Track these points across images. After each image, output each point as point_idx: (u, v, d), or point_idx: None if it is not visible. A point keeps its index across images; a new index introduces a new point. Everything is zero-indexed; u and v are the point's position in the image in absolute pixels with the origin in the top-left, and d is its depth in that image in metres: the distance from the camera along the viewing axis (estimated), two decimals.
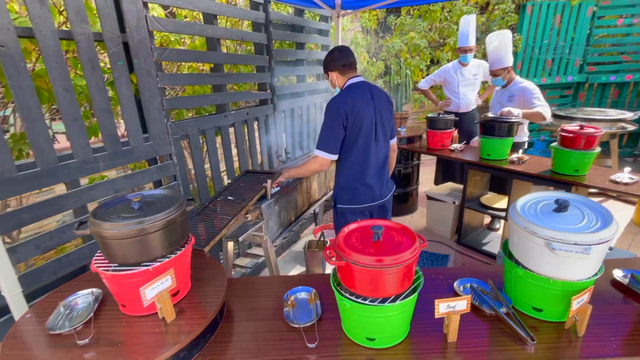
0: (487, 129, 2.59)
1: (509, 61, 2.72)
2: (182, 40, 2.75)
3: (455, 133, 3.06)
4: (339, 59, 1.78)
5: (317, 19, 3.65)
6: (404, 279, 0.96)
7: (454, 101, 3.50)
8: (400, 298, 0.96)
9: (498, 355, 0.98)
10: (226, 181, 2.05)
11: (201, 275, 1.25)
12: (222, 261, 2.33)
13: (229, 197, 1.86)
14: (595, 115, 3.90)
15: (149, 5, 1.94)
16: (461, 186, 2.96)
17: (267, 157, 2.91)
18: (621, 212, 3.51)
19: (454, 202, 3.00)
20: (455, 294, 1.24)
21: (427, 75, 3.84)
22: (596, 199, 3.83)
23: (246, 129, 2.71)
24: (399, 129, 3.39)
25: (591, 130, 2.20)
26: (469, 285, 1.25)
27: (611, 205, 3.73)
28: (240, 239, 1.74)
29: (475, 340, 1.04)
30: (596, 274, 1.00)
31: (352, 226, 1.07)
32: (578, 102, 5.30)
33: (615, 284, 1.25)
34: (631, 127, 3.88)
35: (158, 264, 0.99)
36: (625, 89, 5.16)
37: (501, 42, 2.70)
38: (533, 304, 1.08)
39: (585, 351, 0.99)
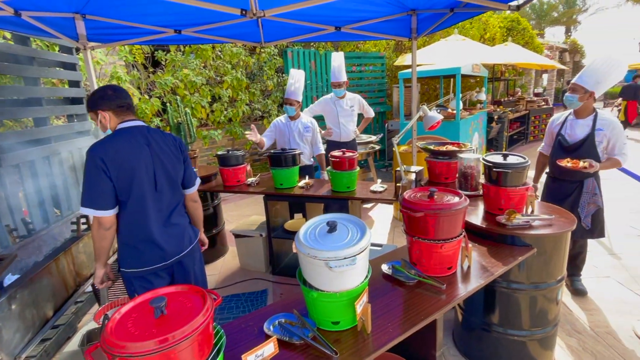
0: (275, 161, 2.90)
1: (287, 94, 3.30)
2: None
3: (248, 167, 3.25)
4: (115, 99, 1.62)
5: (57, 49, 3.08)
6: (201, 347, 0.88)
7: (335, 131, 3.95)
8: None
9: None
10: None
11: None
12: None
13: None
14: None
15: None
16: (264, 218, 3.15)
17: None
18: (387, 211, 4.72)
19: (261, 235, 3.15)
20: (267, 337, 1.25)
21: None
22: (370, 204, 5.02)
23: None
24: None
25: (350, 154, 2.86)
26: (277, 322, 1.30)
27: (380, 206, 4.96)
28: None
29: None
30: (367, 276, 1.25)
31: (126, 308, 0.90)
32: None
33: (385, 276, 1.63)
34: (378, 147, 5.38)
35: None
36: None
37: (297, 80, 3.30)
38: (331, 319, 1.24)
39: (375, 344, 1.21)
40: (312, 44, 6.42)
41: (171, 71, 4.39)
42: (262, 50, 5.43)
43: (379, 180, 3.10)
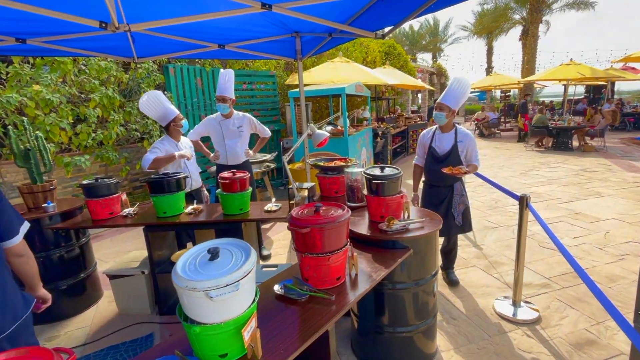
0: (156, 187, 2.69)
1: (170, 116, 3.11)
2: None
3: (124, 196, 2.94)
4: None
5: None
6: None
7: (222, 153, 3.72)
8: None
9: None
10: None
11: None
12: None
13: None
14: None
15: None
16: (146, 253, 2.87)
17: None
18: (286, 230, 4.78)
19: (143, 272, 2.85)
20: None
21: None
22: (269, 224, 5.02)
23: None
24: (45, 204, 2.79)
25: (241, 174, 2.84)
26: None
27: (279, 225, 5.00)
28: None
29: None
30: (254, 300, 1.25)
31: None
32: None
33: (278, 296, 1.65)
34: (273, 165, 5.47)
35: None
36: None
37: (155, 100, 3.04)
38: (218, 352, 1.19)
39: None
40: (197, 60, 6.24)
41: (16, 87, 3.66)
42: (138, 65, 5.02)
43: (273, 199, 3.15)
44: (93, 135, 4.45)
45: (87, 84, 4.37)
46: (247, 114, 3.87)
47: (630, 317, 1.66)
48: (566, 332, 2.50)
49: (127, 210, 2.84)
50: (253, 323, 1.22)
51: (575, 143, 10.71)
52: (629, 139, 11.75)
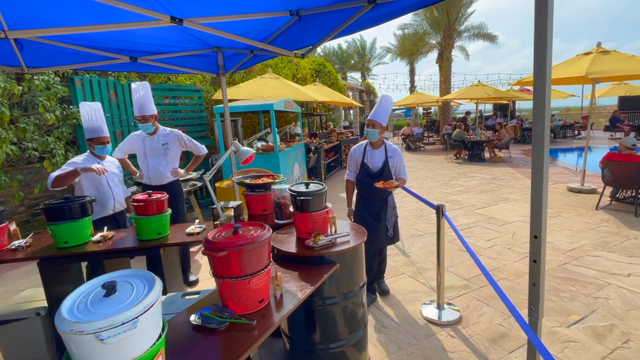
0: (54, 213, 2.38)
1: (92, 134, 2.93)
2: None
3: (13, 226, 2.55)
4: None
5: None
6: None
7: (144, 172, 3.54)
8: None
9: None
10: None
11: None
12: None
13: None
14: None
15: None
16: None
17: None
18: None
19: (39, 314, 2.47)
20: None
21: None
22: (197, 247, 4.73)
23: None
24: None
25: (159, 195, 2.64)
26: None
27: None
28: None
29: None
30: (161, 335, 1.14)
31: None
32: None
33: (195, 327, 1.53)
34: (200, 183, 5.21)
35: None
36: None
37: (95, 111, 2.92)
38: None
39: None
40: (110, 72, 5.77)
41: None
42: (35, 76, 4.47)
43: (197, 220, 2.99)
44: None
45: None
46: (176, 130, 3.61)
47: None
48: (483, 329, 2.71)
49: (16, 243, 2.45)
50: None
51: (487, 154, 12.01)
52: (529, 150, 13.54)
